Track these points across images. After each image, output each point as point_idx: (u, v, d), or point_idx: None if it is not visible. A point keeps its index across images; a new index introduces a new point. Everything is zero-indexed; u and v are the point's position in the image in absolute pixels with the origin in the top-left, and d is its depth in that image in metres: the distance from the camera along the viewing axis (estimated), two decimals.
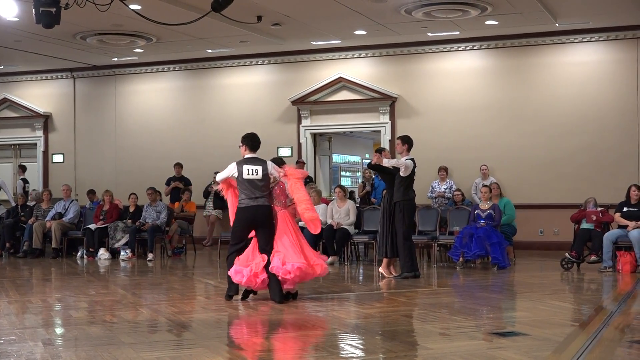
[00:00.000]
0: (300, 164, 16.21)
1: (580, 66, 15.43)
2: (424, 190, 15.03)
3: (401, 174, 10.56)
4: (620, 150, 14.97)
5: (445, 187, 15.07)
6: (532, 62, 15.72)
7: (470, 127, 15.98)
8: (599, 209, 12.23)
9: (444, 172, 15.31)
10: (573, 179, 15.15)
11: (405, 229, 10.61)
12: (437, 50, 16.37)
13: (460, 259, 12.01)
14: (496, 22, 14.54)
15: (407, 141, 10.87)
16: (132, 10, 11.97)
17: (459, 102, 16.14)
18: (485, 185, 13.38)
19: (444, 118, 16.22)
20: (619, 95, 15.09)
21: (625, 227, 11.72)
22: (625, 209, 11.94)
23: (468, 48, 16.19)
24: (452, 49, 16.29)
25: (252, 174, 8.68)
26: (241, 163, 8.80)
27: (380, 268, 10.83)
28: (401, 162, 10.61)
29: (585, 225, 12.15)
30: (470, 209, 13.02)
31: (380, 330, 6.68)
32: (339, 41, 16.33)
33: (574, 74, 15.45)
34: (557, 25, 14.69)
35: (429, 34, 15.58)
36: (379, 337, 6.38)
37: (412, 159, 10.70)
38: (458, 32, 15.39)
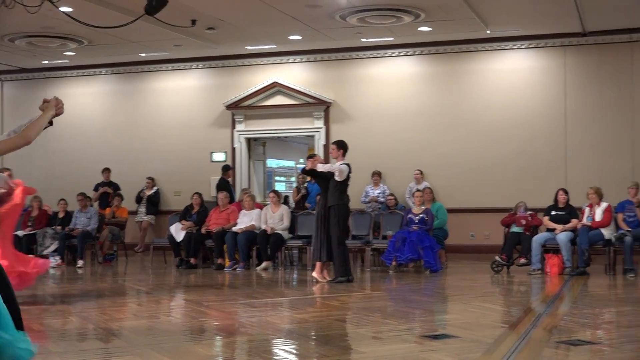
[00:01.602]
0: (228, 171, 16.18)
1: (511, 73, 15.73)
2: (358, 195, 15.12)
3: (336, 178, 10.61)
4: (548, 156, 15.30)
5: (378, 191, 15.18)
6: (464, 68, 15.97)
7: (404, 133, 16.14)
8: (529, 212, 12.47)
9: (377, 177, 15.43)
10: (503, 183, 15.42)
11: (340, 233, 10.65)
12: (372, 56, 16.50)
13: (393, 263, 12.11)
14: (429, 29, 14.72)
15: (342, 146, 10.91)
16: (63, 12, 11.76)
17: (392, 107, 16.28)
18: (419, 190, 13.54)
19: (377, 123, 16.34)
20: (548, 102, 15.43)
21: (553, 230, 11.99)
22: (553, 213, 12.21)
23: (402, 54, 16.35)
24: (386, 55, 16.43)
25: None
26: None
27: (314, 273, 10.84)
28: (335, 167, 10.65)
29: (515, 228, 12.39)
30: (403, 214, 13.14)
31: (313, 335, 6.68)
32: (274, 46, 16.33)
33: (504, 81, 15.74)
34: (488, 32, 14.95)
35: (363, 40, 15.69)
36: (312, 342, 6.38)
37: (347, 164, 10.75)
38: (392, 38, 15.54)
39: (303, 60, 17.01)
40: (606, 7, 13.43)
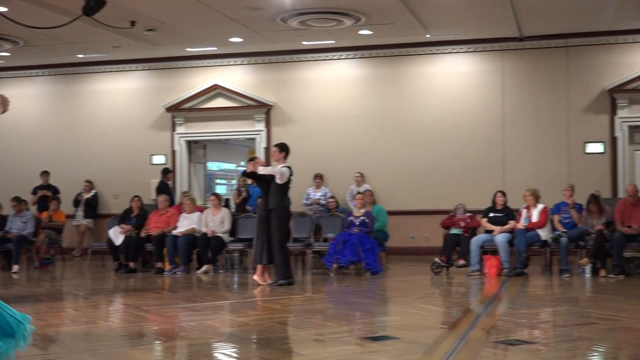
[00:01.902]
0: (168, 174, 16.04)
1: (450, 76, 15.93)
2: (299, 197, 15.14)
3: (277, 181, 10.59)
4: (487, 158, 15.53)
5: (320, 194, 15.22)
6: (404, 71, 16.11)
7: (345, 135, 16.21)
8: (467, 214, 12.63)
9: (319, 179, 15.47)
10: (443, 186, 15.60)
11: (280, 236, 10.63)
12: (313, 59, 16.54)
13: (334, 265, 12.14)
14: (370, 32, 14.82)
15: (284, 149, 10.90)
16: None
17: (333, 110, 16.34)
18: (359, 193, 13.60)
19: (319, 126, 16.38)
20: (486, 105, 15.67)
21: (491, 231, 12.16)
22: (491, 215, 12.40)
23: (343, 57, 16.42)
24: (327, 58, 16.48)
25: None
26: None
27: (255, 276, 10.81)
28: (277, 169, 10.63)
29: (454, 230, 12.53)
30: (344, 216, 13.19)
31: (254, 338, 6.65)
32: (215, 48, 16.24)
33: (444, 84, 15.93)
34: (427, 36, 15.12)
35: (305, 43, 15.71)
36: (253, 345, 6.35)
37: (289, 167, 10.74)
38: (333, 41, 15.60)
39: (244, 63, 16.96)
40: (542, 13, 13.69)
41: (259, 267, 10.74)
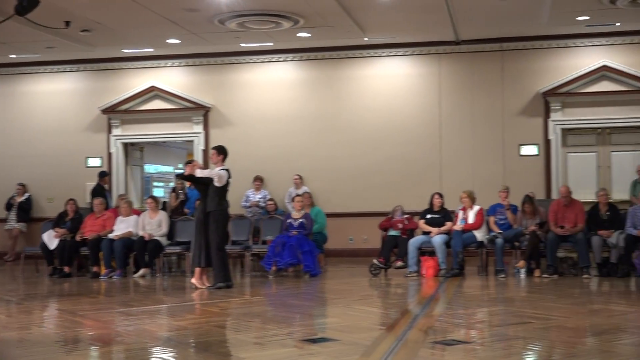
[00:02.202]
0: (105, 177, 15.81)
1: (388, 79, 16.04)
2: (239, 199, 15.10)
3: (215, 184, 10.53)
4: (424, 160, 15.69)
5: (260, 196, 15.17)
6: (342, 74, 16.17)
7: (283, 138, 16.20)
8: (405, 216, 12.74)
9: (259, 182, 15.44)
10: (381, 188, 15.70)
11: (218, 239, 10.57)
12: (251, 61, 16.48)
13: (273, 268, 12.11)
14: (308, 35, 14.83)
15: (222, 151, 10.84)
16: None
17: (272, 112, 16.32)
18: (298, 195, 13.60)
19: (258, 128, 16.34)
20: (423, 108, 15.82)
21: (428, 233, 12.29)
22: (428, 216, 12.52)
23: (281, 59, 16.41)
24: (265, 60, 16.45)
25: None
26: None
27: (193, 279, 10.72)
28: (214, 172, 10.58)
29: (392, 232, 12.62)
30: (282, 218, 13.18)
31: (192, 342, 6.59)
32: (152, 49, 16.07)
33: (381, 87, 16.03)
34: (365, 39, 15.20)
35: (243, 45, 15.66)
36: (191, 349, 6.30)
37: (227, 170, 10.69)
38: (271, 44, 15.57)
39: (182, 65, 16.83)
40: (478, 17, 13.89)
41: (197, 270, 10.65)
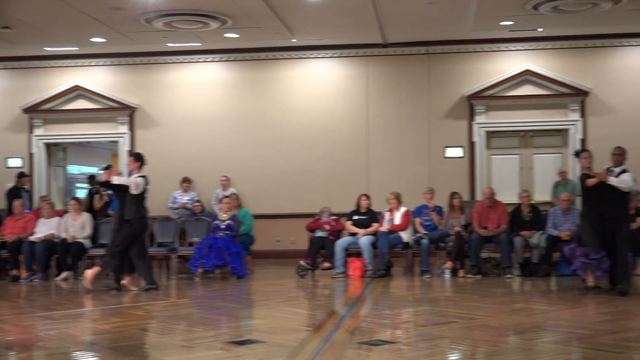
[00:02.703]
0: (22, 178, 15.37)
1: (316, 81, 16.09)
2: (166, 200, 14.96)
3: (131, 191, 10.41)
4: (351, 162, 15.77)
5: (187, 198, 15.03)
6: (270, 75, 16.15)
7: (212, 139, 16.09)
8: (332, 217, 12.79)
9: (187, 183, 15.29)
10: (308, 189, 15.73)
11: (137, 248, 10.48)
12: (178, 61, 16.32)
13: (200, 270, 12.01)
14: (236, 35, 14.76)
15: (139, 159, 10.74)
16: None
17: (200, 113, 16.19)
18: (225, 196, 13.52)
19: (185, 129, 16.19)
20: (351, 110, 15.91)
21: (355, 234, 12.35)
22: (355, 217, 12.59)
23: (209, 60, 16.30)
24: (192, 60, 16.31)
25: None
26: None
27: (124, 281, 10.61)
28: (131, 180, 10.46)
29: (319, 233, 12.65)
30: (209, 220, 13.08)
31: (116, 346, 6.48)
32: (76, 48, 15.75)
33: (310, 88, 16.06)
34: (294, 40, 15.21)
35: (170, 45, 15.48)
36: (115, 353, 6.18)
37: (144, 177, 10.58)
38: (199, 44, 15.44)
39: (107, 64, 16.55)
40: (405, 20, 14.04)
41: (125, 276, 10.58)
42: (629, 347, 6.08)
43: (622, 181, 9.32)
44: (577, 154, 9.81)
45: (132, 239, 10.49)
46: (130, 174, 10.87)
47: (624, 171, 9.41)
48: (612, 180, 9.29)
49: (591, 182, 9.38)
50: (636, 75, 15.38)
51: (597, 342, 6.12)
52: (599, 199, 9.37)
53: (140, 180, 10.46)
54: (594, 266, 9.34)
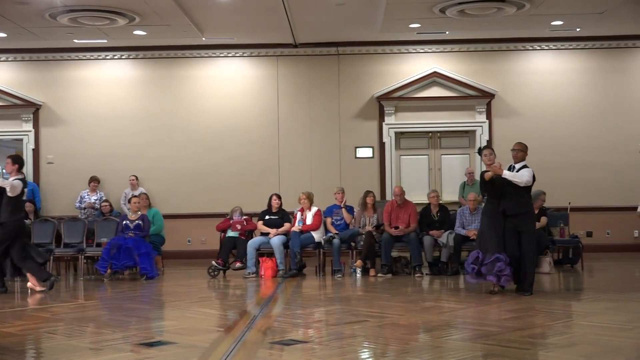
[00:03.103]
0: None
1: (227, 80, 16.00)
2: (73, 200, 14.68)
3: (8, 194, 10.17)
4: (262, 162, 15.75)
5: (95, 197, 14.74)
6: (180, 74, 15.97)
7: (119, 137, 15.81)
8: (244, 217, 12.75)
9: (96, 182, 14.98)
10: (220, 189, 15.63)
11: (17, 251, 10.23)
12: (85, 58, 15.98)
13: (108, 271, 11.80)
14: (144, 33, 14.54)
15: (18, 161, 10.53)
16: None
17: (107, 111, 15.89)
18: (135, 196, 13.32)
19: (92, 127, 15.85)
20: (262, 109, 15.89)
21: (267, 234, 12.35)
22: (267, 217, 12.59)
23: (117, 57, 16.01)
24: (100, 57, 16.00)
25: None
26: None
27: (28, 284, 10.35)
28: (7, 182, 10.22)
29: (230, 233, 12.59)
30: (118, 220, 12.86)
31: (21, 350, 6.31)
32: None
33: (220, 88, 15.96)
34: (203, 39, 15.08)
35: (76, 41, 15.13)
36: (20, 357, 6.02)
37: (22, 179, 10.35)
38: (105, 41, 15.14)
39: (9, 60, 16.05)
40: (315, 21, 14.11)
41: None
42: (534, 343, 6.28)
43: (518, 175, 9.20)
44: (479, 152, 9.74)
45: (7, 242, 10.22)
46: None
47: (524, 167, 9.35)
48: (507, 174, 9.17)
49: (487, 175, 9.31)
50: (539, 79, 15.86)
51: (503, 339, 6.28)
52: (501, 195, 9.24)
53: (17, 182, 10.23)
54: (488, 269, 9.08)
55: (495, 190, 9.34)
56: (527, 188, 9.33)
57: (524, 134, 15.34)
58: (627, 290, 9.64)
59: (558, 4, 13.12)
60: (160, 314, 8.85)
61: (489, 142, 15.45)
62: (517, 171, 9.33)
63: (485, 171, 9.44)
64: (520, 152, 9.48)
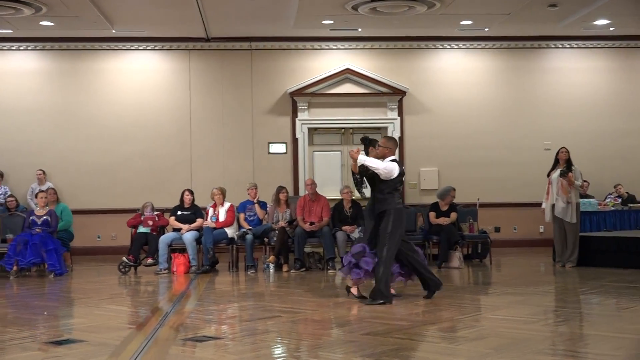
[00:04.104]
0: None
1: (137, 73, 15.75)
2: None
3: None
4: (174, 157, 15.58)
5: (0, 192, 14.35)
6: (89, 66, 15.65)
7: (26, 131, 15.38)
8: (155, 213, 12.60)
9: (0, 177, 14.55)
10: (130, 184, 15.39)
11: None
12: None
13: (15, 268, 11.49)
14: (51, 24, 14.18)
15: None
16: None
17: (13, 103, 15.47)
18: (42, 191, 12.99)
19: None
20: (174, 104, 15.71)
21: (179, 230, 12.23)
22: (179, 213, 12.47)
23: (22, 48, 15.57)
24: (4, 48, 15.54)
25: None
26: None
27: None
28: None
29: (142, 229, 12.43)
30: (25, 215, 12.53)
31: None
32: None
33: (131, 81, 15.71)
34: (113, 31, 14.81)
35: None
36: None
37: None
38: (11, 31, 14.70)
39: None
40: (228, 15, 14.03)
41: None
42: (443, 337, 6.41)
43: (375, 161, 8.33)
44: (365, 142, 8.90)
45: None
46: None
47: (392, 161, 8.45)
48: (362, 159, 8.28)
49: (353, 166, 8.56)
50: (449, 77, 16.16)
51: (414, 333, 6.40)
52: (374, 191, 8.55)
53: None
54: (350, 267, 8.42)
55: (372, 184, 8.56)
56: (389, 185, 8.37)
57: (434, 131, 15.74)
58: (532, 284, 9.92)
59: (467, 5, 13.41)
60: (68, 311, 8.66)
61: (401, 138, 15.65)
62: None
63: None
64: (380, 147, 8.58)
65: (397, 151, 8.91)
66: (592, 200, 13.61)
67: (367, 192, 8.89)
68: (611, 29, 15.45)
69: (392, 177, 8.34)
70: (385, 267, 8.20)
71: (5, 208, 13.95)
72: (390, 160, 8.45)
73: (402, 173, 8.50)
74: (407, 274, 8.65)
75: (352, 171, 8.84)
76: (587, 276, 10.69)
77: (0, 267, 12.06)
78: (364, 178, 8.68)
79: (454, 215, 12.78)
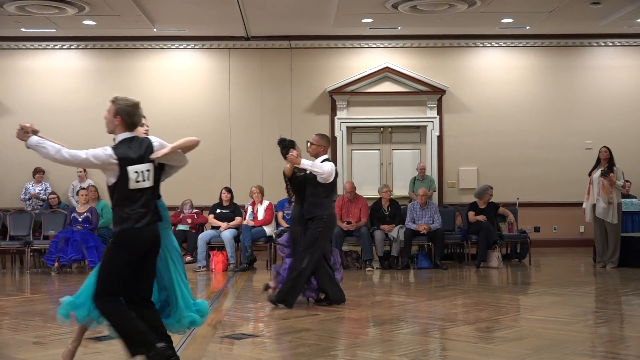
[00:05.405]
0: None
1: (178, 72, 15.82)
2: (18, 192, 14.41)
3: None
4: (213, 155, 15.63)
5: (40, 188, 14.50)
6: (131, 65, 15.75)
7: (68, 128, 15.47)
8: (194, 210, 12.68)
9: (40, 173, 14.73)
10: (170, 182, 15.29)
11: None
12: (32, 47, 15.66)
13: (56, 264, 11.64)
14: (94, 23, 14.34)
15: None
16: None
17: (56, 101, 15.59)
18: (83, 188, 13.16)
19: (39, 118, 15.33)
20: (214, 102, 15.78)
21: (218, 228, 12.29)
22: (218, 211, 12.54)
23: (65, 47, 15.74)
24: (48, 47, 15.71)
25: None
26: None
27: None
28: None
29: (181, 227, 12.51)
30: (66, 212, 12.68)
31: None
32: None
33: (172, 79, 15.78)
34: (155, 30, 14.92)
35: (23, 30, 14.85)
36: None
37: None
38: (54, 30, 14.89)
39: None
40: (268, 14, 14.05)
41: None
42: (481, 337, 6.35)
43: (318, 165, 8.09)
44: (283, 144, 8.54)
45: None
46: None
47: (326, 160, 8.32)
48: (305, 163, 8.08)
49: (287, 169, 8.36)
50: (489, 75, 16.01)
51: (452, 333, 6.35)
52: (306, 196, 8.19)
53: None
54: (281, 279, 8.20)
55: (298, 189, 8.37)
56: (327, 188, 8.14)
57: (473, 130, 15.60)
58: (572, 285, 9.81)
59: (508, 2, 13.27)
60: None
61: (440, 137, 15.57)
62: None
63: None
64: (314, 145, 8.46)
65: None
66: (634, 200, 13.41)
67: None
68: None
69: (330, 180, 8.11)
70: (299, 275, 7.90)
71: (47, 205, 14.13)
72: (325, 160, 8.24)
73: (337, 174, 8.25)
74: (318, 291, 8.24)
75: (284, 176, 8.51)
76: (629, 277, 10.54)
77: (42, 264, 12.24)
78: (289, 183, 8.38)
79: (506, 211, 13.03)
